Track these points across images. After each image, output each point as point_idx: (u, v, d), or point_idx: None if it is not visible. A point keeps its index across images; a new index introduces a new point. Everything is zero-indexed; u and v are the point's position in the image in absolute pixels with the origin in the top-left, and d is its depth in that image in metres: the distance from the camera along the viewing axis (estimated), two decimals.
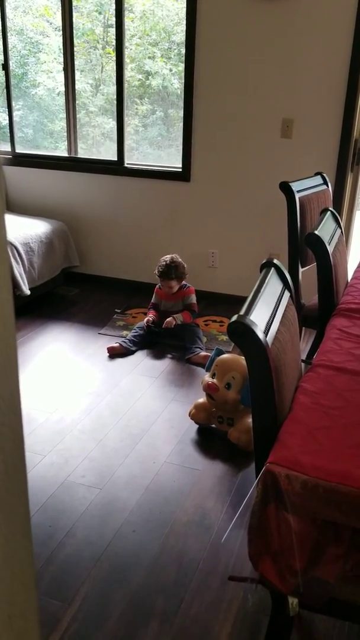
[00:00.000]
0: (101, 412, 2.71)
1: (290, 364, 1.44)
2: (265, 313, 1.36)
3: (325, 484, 1.16)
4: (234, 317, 1.23)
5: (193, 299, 3.52)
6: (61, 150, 4.35)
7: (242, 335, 1.21)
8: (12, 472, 0.55)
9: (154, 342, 3.41)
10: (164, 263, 3.41)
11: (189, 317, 3.47)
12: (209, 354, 3.09)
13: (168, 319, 3.38)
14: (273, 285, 1.51)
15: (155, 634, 1.63)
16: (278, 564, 1.22)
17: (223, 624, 1.67)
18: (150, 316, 3.44)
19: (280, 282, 1.58)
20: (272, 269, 1.56)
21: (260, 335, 1.22)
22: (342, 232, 2.55)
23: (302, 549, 1.19)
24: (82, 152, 4.28)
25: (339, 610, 1.30)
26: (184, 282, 3.52)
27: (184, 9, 3.60)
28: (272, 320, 1.38)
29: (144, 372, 3.10)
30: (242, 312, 1.26)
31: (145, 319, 3.43)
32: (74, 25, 3.97)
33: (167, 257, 3.44)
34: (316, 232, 2.09)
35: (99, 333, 3.56)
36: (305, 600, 1.26)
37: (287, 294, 1.58)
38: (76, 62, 4.07)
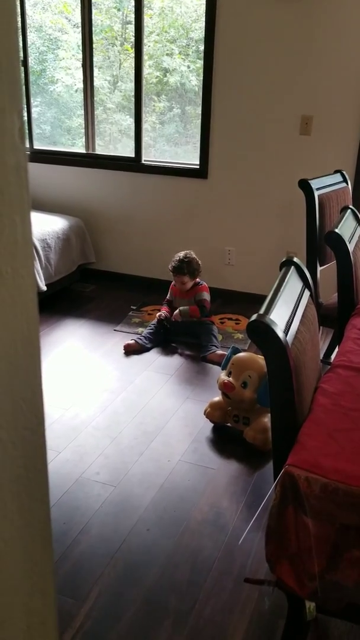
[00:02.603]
0: (116, 409, 2.70)
1: (310, 364, 1.42)
2: (285, 312, 1.33)
3: (346, 487, 1.14)
4: (254, 316, 1.21)
5: (204, 295, 3.48)
6: (79, 147, 4.36)
7: (262, 334, 1.20)
8: (33, 477, 0.54)
9: (170, 340, 3.40)
10: (177, 259, 3.40)
11: (196, 311, 3.39)
12: (224, 352, 3.07)
13: (175, 312, 3.38)
14: (293, 284, 1.48)
15: (168, 633, 1.62)
16: (296, 568, 1.20)
17: (237, 625, 1.65)
18: (163, 312, 3.44)
19: (300, 280, 1.56)
20: (292, 267, 1.53)
21: (281, 334, 1.20)
22: None
23: (320, 552, 1.17)
24: (100, 149, 4.28)
25: (357, 615, 1.28)
26: (198, 280, 3.50)
27: (203, 6, 3.57)
28: (292, 320, 1.36)
29: (159, 369, 3.09)
30: (262, 310, 1.24)
31: (157, 314, 3.43)
32: (92, 22, 3.96)
33: (181, 253, 3.43)
34: (336, 230, 2.06)
35: (115, 330, 3.56)
36: (322, 604, 1.24)
37: (307, 293, 1.55)
38: (94, 59, 4.06)
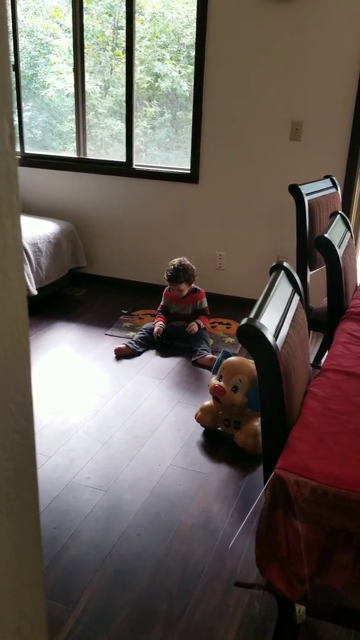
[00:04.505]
0: (107, 414, 2.70)
1: (300, 368, 1.43)
2: (275, 316, 1.34)
3: (335, 490, 1.14)
4: (244, 320, 1.21)
5: (205, 302, 3.51)
6: (70, 152, 4.36)
7: (252, 338, 1.20)
8: (23, 479, 0.54)
9: (161, 344, 3.39)
10: (172, 267, 3.38)
11: (207, 321, 3.50)
12: (215, 356, 3.08)
13: (192, 325, 3.36)
14: (283, 289, 1.49)
15: (159, 638, 1.62)
16: (286, 571, 1.20)
17: (228, 629, 1.65)
18: (160, 324, 3.39)
19: (290, 285, 1.57)
20: (282, 271, 1.54)
21: (270, 338, 1.21)
22: (351, 235, 2.53)
23: (310, 555, 1.18)
24: (91, 154, 4.28)
25: (346, 618, 1.29)
26: (194, 286, 3.50)
27: (194, 12, 3.59)
28: (282, 324, 1.36)
29: (150, 373, 3.09)
30: (252, 315, 1.24)
31: (155, 329, 3.37)
32: (84, 27, 3.97)
33: (176, 261, 3.42)
34: (326, 235, 2.08)
35: (106, 334, 3.55)
36: (312, 607, 1.25)
37: (296, 297, 1.56)
38: (86, 64, 4.07)
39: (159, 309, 3.55)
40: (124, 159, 4.08)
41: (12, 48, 4.12)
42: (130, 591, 1.77)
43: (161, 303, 3.55)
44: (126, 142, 4.04)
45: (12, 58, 4.15)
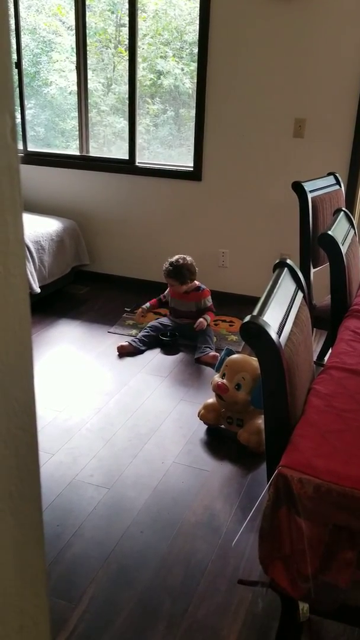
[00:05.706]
0: (110, 411, 2.70)
1: (303, 365, 1.43)
2: (279, 314, 1.34)
3: (339, 488, 1.14)
4: (247, 317, 1.21)
5: (209, 301, 3.52)
6: (73, 149, 4.35)
7: (256, 335, 1.20)
8: (25, 477, 0.54)
9: (163, 342, 3.40)
10: (168, 262, 3.42)
11: (213, 317, 3.52)
12: (218, 354, 3.08)
13: (201, 320, 3.37)
14: (286, 286, 1.49)
15: (162, 636, 1.62)
16: (289, 569, 1.20)
17: (231, 627, 1.65)
18: (161, 319, 3.46)
19: (294, 282, 1.56)
20: (285, 269, 1.54)
21: (274, 336, 1.21)
22: (355, 232, 2.52)
23: (313, 553, 1.18)
24: (93, 151, 4.28)
25: (350, 616, 1.28)
26: (198, 284, 3.50)
27: (197, 9, 3.58)
28: (285, 321, 1.36)
29: (153, 371, 3.09)
30: (255, 312, 1.24)
31: (151, 323, 3.47)
32: (86, 25, 3.97)
33: (174, 257, 3.44)
34: (330, 232, 2.07)
35: (109, 332, 3.55)
36: (316, 605, 1.24)
37: (300, 295, 1.56)
38: (88, 61, 4.07)
39: (159, 296, 3.59)
40: (126, 157, 4.07)
41: (14, 46, 4.11)
42: (134, 589, 1.77)
43: (163, 293, 3.57)
44: (129, 140, 4.03)
45: (14, 56, 4.14)
